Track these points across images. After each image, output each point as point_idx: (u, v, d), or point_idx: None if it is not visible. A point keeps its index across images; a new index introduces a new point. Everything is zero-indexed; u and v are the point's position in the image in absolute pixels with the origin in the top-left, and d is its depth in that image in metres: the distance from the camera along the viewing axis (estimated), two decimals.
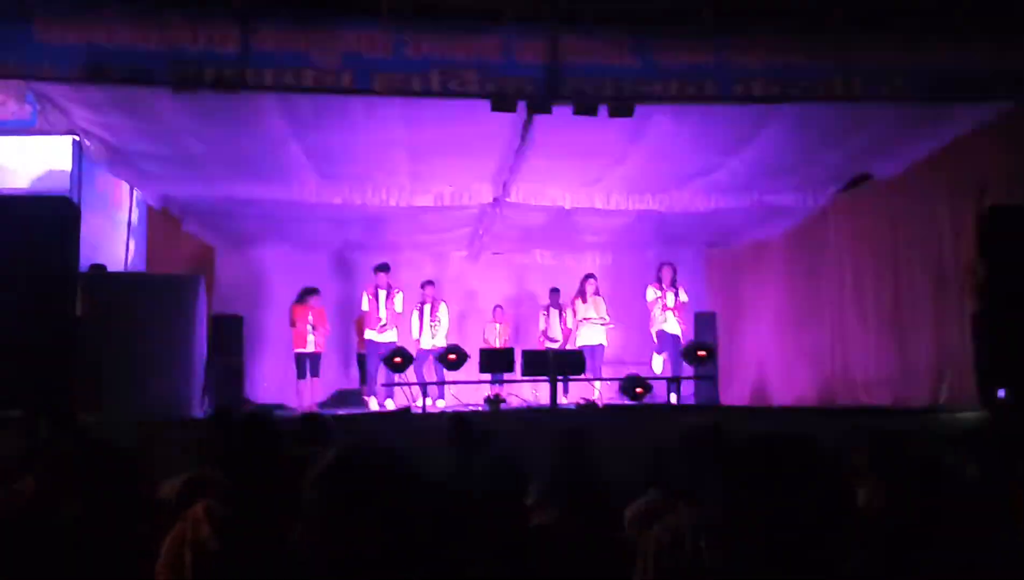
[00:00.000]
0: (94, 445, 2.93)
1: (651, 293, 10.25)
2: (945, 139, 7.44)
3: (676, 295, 10.16)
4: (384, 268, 10.23)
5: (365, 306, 10.15)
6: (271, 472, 2.05)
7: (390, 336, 10.02)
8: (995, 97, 6.51)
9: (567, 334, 10.68)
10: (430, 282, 10.74)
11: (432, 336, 10.30)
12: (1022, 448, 4.86)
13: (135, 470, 2.91)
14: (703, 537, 2.11)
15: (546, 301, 11.15)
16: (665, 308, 10.05)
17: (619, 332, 11.02)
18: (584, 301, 10.36)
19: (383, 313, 9.96)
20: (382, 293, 10.01)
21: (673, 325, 10.04)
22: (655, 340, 10.21)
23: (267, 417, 2.17)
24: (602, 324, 10.26)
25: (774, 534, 1.61)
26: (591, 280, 10.47)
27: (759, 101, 6.40)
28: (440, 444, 3.83)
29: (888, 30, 6.34)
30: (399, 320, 10.19)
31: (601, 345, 10.28)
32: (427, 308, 10.42)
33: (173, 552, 2.03)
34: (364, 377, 10.35)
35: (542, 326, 10.89)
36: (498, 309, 11.21)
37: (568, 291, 11.71)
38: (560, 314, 10.85)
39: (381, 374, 9.95)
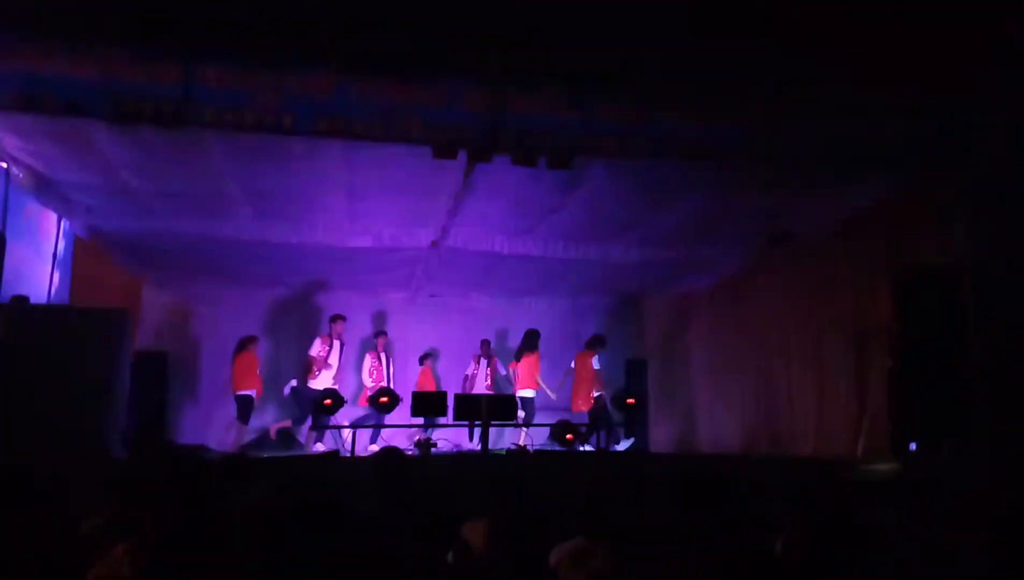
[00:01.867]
0: (13, 479, 2.87)
1: (574, 363, 10.74)
2: (862, 201, 7.83)
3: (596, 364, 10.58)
4: (340, 318, 10.69)
5: (315, 351, 10.33)
6: (195, 511, 2.04)
7: (325, 382, 10.11)
8: (903, 166, 6.90)
9: (489, 387, 10.93)
10: (383, 332, 11.23)
11: (388, 382, 10.48)
12: (932, 496, 5.09)
13: (55, 506, 2.85)
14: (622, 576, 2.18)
15: (477, 350, 11.33)
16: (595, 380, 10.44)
17: (553, 378, 11.18)
18: (519, 361, 10.64)
19: (333, 361, 10.40)
20: (336, 343, 10.53)
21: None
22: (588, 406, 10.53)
23: (193, 456, 2.16)
24: (535, 388, 10.58)
25: (693, 575, 1.68)
26: (530, 338, 10.81)
27: (689, 158, 6.65)
28: (367, 486, 3.82)
29: (813, 100, 6.69)
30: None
31: (533, 397, 10.56)
32: (383, 357, 10.99)
33: None
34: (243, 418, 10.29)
35: (469, 372, 11.04)
36: (428, 358, 11.37)
37: (503, 337, 11.91)
38: (488, 364, 11.05)
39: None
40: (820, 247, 8.79)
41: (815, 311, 8.86)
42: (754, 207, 8.20)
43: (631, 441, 10.10)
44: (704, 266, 10.19)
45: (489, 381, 11.00)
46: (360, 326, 11.82)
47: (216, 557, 1.83)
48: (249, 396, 10.22)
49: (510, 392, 11.01)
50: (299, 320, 11.81)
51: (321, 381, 10.24)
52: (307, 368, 10.45)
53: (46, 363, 6.20)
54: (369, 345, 11.44)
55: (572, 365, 10.72)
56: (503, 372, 11.24)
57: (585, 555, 2.50)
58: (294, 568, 1.22)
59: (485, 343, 11.30)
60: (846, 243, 8.35)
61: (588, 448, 9.36)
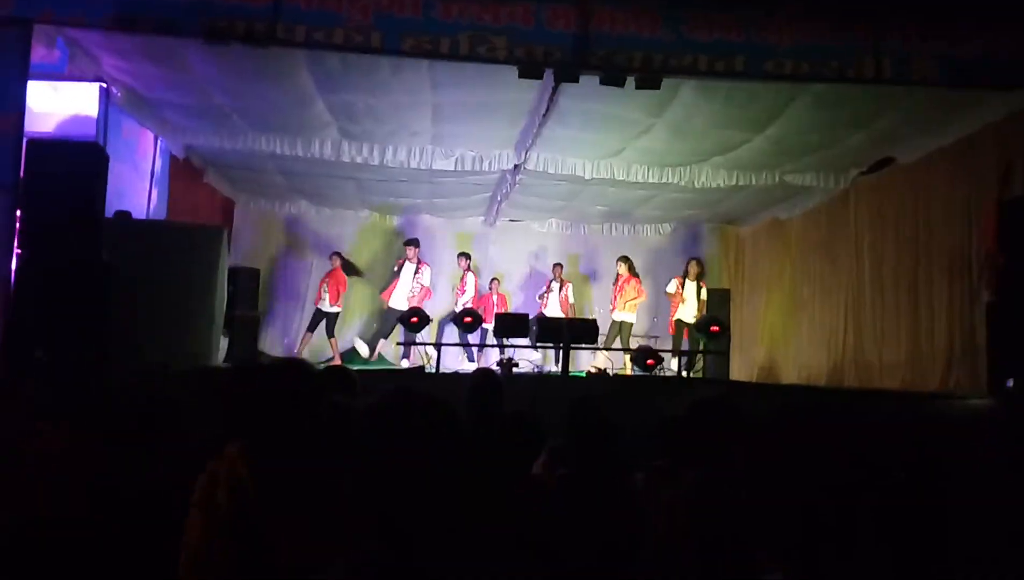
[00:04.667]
0: (125, 393, 3.05)
1: (673, 285, 10.46)
2: (971, 126, 7.40)
3: (699, 292, 10.33)
4: (414, 242, 10.80)
5: (399, 275, 10.66)
6: (307, 417, 2.12)
7: (402, 305, 10.36)
8: (1021, 85, 6.46)
9: (566, 309, 10.91)
10: (465, 254, 11.30)
11: (457, 305, 10.64)
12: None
13: (164, 418, 3.01)
14: (709, 504, 2.19)
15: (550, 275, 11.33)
16: (683, 301, 10.26)
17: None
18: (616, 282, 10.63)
19: (410, 285, 10.54)
20: (410, 265, 10.62)
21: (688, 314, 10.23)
22: (672, 330, 10.40)
23: (301, 362, 2.24)
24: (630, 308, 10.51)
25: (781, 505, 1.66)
26: (623, 262, 10.73)
27: (788, 80, 6.38)
28: (456, 399, 3.92)
29: (919, 14, 6.29)
30: (426, 292, 10.73)
31: (630, 322, 10.51)
32: (466, 278, 11.15)
33: (207, 488, 2.11)
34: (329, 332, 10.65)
35: (541, 295, 11.07)
36: (494, 282, 11.43)
37: (584, 264, 11.90)
38: (561, 288, 11.03)
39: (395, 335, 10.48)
40: (920, 175, 8.38)
41: (912, 241, 8.50)
42: (855, 131, 7.84)
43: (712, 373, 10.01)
44: (796, 193, 9.86)
45: (563, 305, 11.00)
46: (441, 250, 11.96)
47: (327, 460, 1.91)
48: (331, 312, 10.54)
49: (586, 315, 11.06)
50: (381, 241, 12.03)
51: (395, 301, 10.50)
52: (385, 289, 10.71)
53: (148, 276, 6.48)
54: (450, 268, 11.56)
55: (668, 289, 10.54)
56: (571, 299, 11.23)
57: (671, 476, 2.52)
58: (403, 471, 1.27)
59: (557, 266, 11.31)
60: (950, 170, 7.93)
61: (670, 373, 9.34)
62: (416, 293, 10.52)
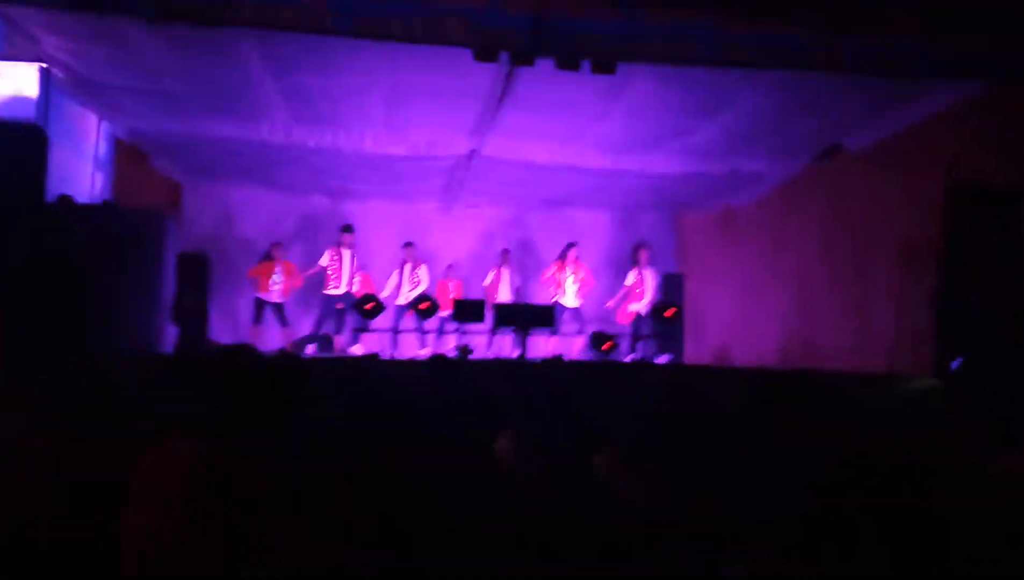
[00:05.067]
0: (67, 382, 2.94)
1: (631, 278, 10.52)
2: (920, 114, 7.55)
3: (652, 275, 10.44)
4: (349, 229, 10.63)
5: (325, 261, 10.44)
6: (253, 404, 2.06)
7: (338, 290, 10.28)
8: (970, 76, 6.60)
9: (513, 293, 10.91)
10: (410, 243, 11.06)
11: (409, 293, 10.48)
12: (970, 412, 5.03)
13: (107, 404, 2.92)
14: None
15: (498, 260, 11.29)
16: (642, 294, 10.30)
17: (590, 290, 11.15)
18: (562, 269, 10.56)
19: (344, 272, 10.39)
20: (346, 253, 10.48)
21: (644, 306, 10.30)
22: (627, 319, 10.46)
23: (250, 349, 2.17)
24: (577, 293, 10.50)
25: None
26: (573, 248, 10.69)
27: (744, 66, 6.41)
28: (412, 384, 3.87)
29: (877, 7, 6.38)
30: (363, 279, 10.64)
31: (577, 308, 10.54)
32: (407, 268, 10.84)
33: (151, 482, 2.04)
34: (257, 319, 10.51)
35: (487, 282, 11.00)
36: (450, 268, 11.34)
37: (536, 249, 11.89)
38: (509, 275, 11.02)
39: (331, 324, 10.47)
40: (869, 163, 8.53)
41: (860, 227, 8.67)
42: (806, 118, 7.94)
43: (669, 357, 10.09)
44: (747, 180, 9.97)
45: (510, 289, 10.99)
46: (392, 236, 11.83)
47: (278, 447, 1.86)
48: (259, 299, 10.35)
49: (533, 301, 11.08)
50: (332, 227, 11.83)
51: (337, 289, 10.37)
52: (322, 278, 10.55)
53: (92, 261, 6.30)
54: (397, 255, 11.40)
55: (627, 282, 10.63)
56: (518, 282, 11.20)
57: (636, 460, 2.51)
58: (356, 452, 1.23)
59: (504, 253, 11.27)
60: (899, 157, 8.09)
61: (625, 360, 9.40)
62: (354, 281, 10.42)
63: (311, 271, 10.64)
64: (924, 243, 7.61)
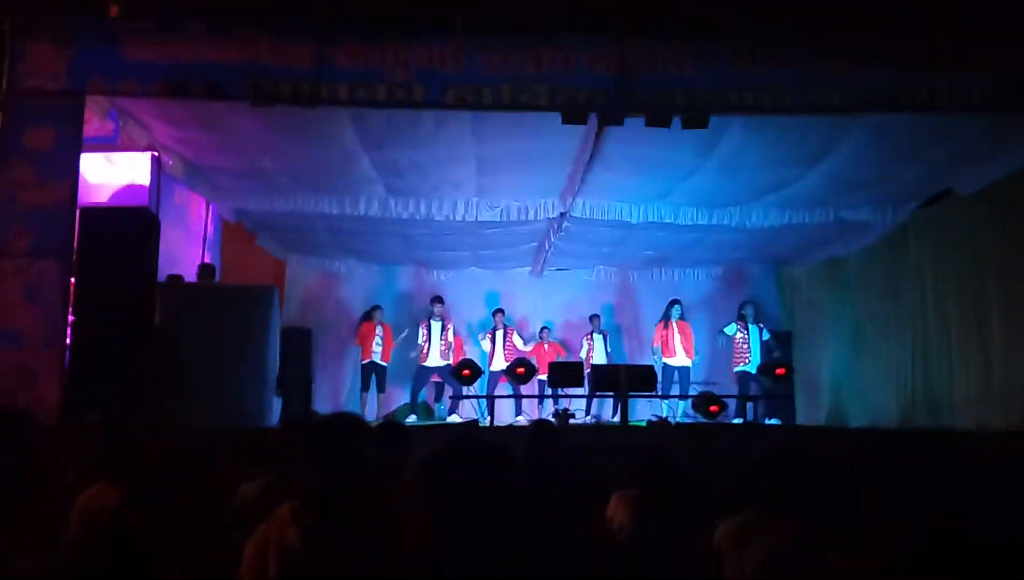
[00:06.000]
0: (178, 450, 2.97)
1: (733, 328, 10.31)
2: None
3: (760, 332, 10.11)
4: (438, 300, 10.81)
5: (420, 340, 10.64)
6: (358, 474, 2.01)
7: (438, 362, 10.35)
8: None
9: (609, 359, 10.71)
10: (501, 310, 11.22)
11: (505, 360, 10.46)
12: None
13: (216, 474, 2.93)
14: (803, 552, 2.00)
15: (589, 327, 11.13)
16: (748, 352, 9.98)
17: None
18: (667, 327, 10.38)
19: (436, 343, 10.52)
20: (436, 324, 10.63)
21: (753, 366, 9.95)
22: (734, 379, 10.14)
23: (355, 418, 2.13)
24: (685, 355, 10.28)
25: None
26: (676, 305, 10.60)
27: (838, 112, 6.22)
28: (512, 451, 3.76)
29: (973, 36, 6.11)
30: (456, 348, 10.70)
31: (688, 367, 10.27)
32: (500, 334, 10.98)
33: (257, 554, 2.00)
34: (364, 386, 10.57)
35: (583, 353, 10.84)
36: (544, 330, 11.26)
37: (631, 310, 11.71)
38: (604, 339, 10.85)
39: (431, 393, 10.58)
40: (980, 205, 8.05)
41: (977, 272, 8.15)
42: (911, 163, 7.61)
43: (777, 420, 9.65)
44: (851, 229, 9.59)
45: (605, 356, 10.81)
46: (484, 302, 11.87)
47: (380, 516, 1.79)
48: (367, 364, 10.44)
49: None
50: (425, 297, 11.96)
51: (431, 360, 10.44)
52: (418, 351, 10.63)
53: (202, 338, 6.51)
54: (488, 323, 11.44)
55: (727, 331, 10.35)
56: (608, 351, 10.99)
57: (756, 528, 2.33)
58: (459, 522, 1.13)
59: (595, 318, 11.13)
60: (1012, 197, 7.61)
61: (735, 421, 9.02)
62: (449, 348, 10.46)
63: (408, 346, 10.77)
64: None
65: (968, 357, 8.23)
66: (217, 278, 8.85)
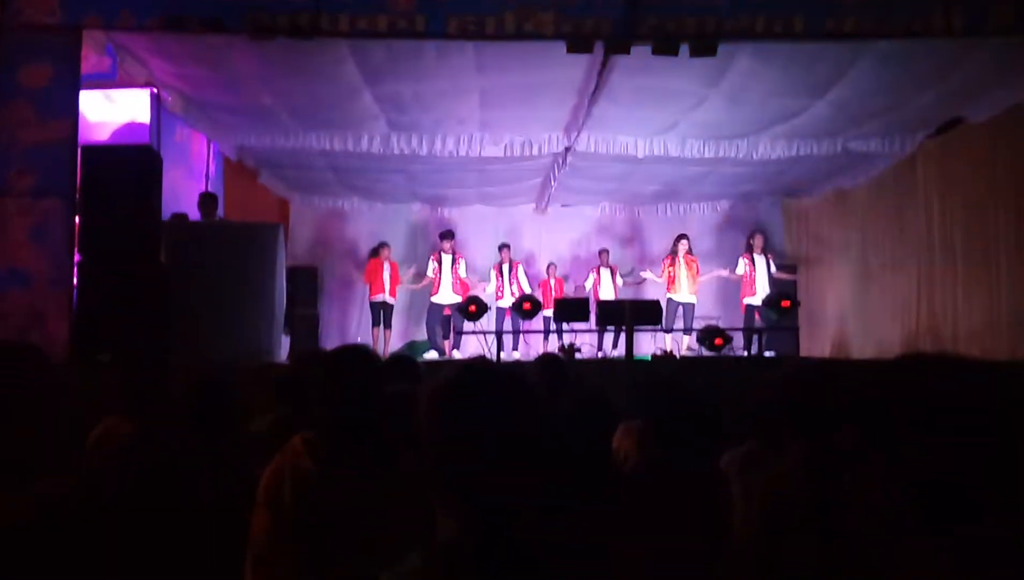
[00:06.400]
0: (188, 385, 2.99)
1: (741, 266, 10.24)
2: None
3: (768, 264, 10.07)
4: (448, 235, 10.68)
5: (430, 273, 10.56)
6: (371, 405, 2.02)
7: (449, 297, 10.25)
8: None
9: (617, 293, 10.70)
10: (506, 245, 11.11)
11: (512, 295, 10.46)
12: None
13: (228, 408, 2.95)
14: (815, 482, 2.01)
15: (596, 262, 11.11)
16: (754, 285, 9.95)
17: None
18: (674, 262, 10.34)
19: (446, 278, 10.46)
20: (447, 258, 10.54)
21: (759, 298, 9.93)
22: (743, 312, 10.14)
23: (367, 351, 2.13)
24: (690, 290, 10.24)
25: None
26: (684, 240, 10.47)
27: (851, 38, 6.07)
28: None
29: None
30: (463, 285, 10.63)
31: (692, 303, 10.27)
32: (506, 268, 10.92)
33: (273, 481, 2.02)
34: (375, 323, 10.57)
35: (589, 286, 10.84)
36: (551, 266, 11.24)
37: (638, 246, 11.67)
38: (612, 274, 10.84)
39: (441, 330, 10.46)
40: (991, 135, 7.92)
41: (985, 202, 8.07)
42: (922, 91, 7.46)
43: (771, 353, 9.70)
44: (859, 161, 9.47)
45: (613, 290, 10.81)
46: (490, 239, 11.84)
47: (392, 446, 1.81)
48: (374, 302, 10.45)
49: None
50: (432, 234, 11.94)
51: (442, 295, 10.42)
52: (428, 285, 10.62)
53: (208, 276, 6.50)
54: (495, 258, 11.41)
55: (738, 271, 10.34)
56: (621, 282, 10.97)
57: (763, 459, 2.35)
58: (486, 446, 1.14)
59: (602, 253, 11.10)
60: (1021, 126, 7.48)
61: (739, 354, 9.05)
62: (459, 283, 10.46)
63: (418, 285, 10.75)
64: None
65: (973, 288, 8.22)
66: (220, 212, 8.78)
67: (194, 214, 8.19)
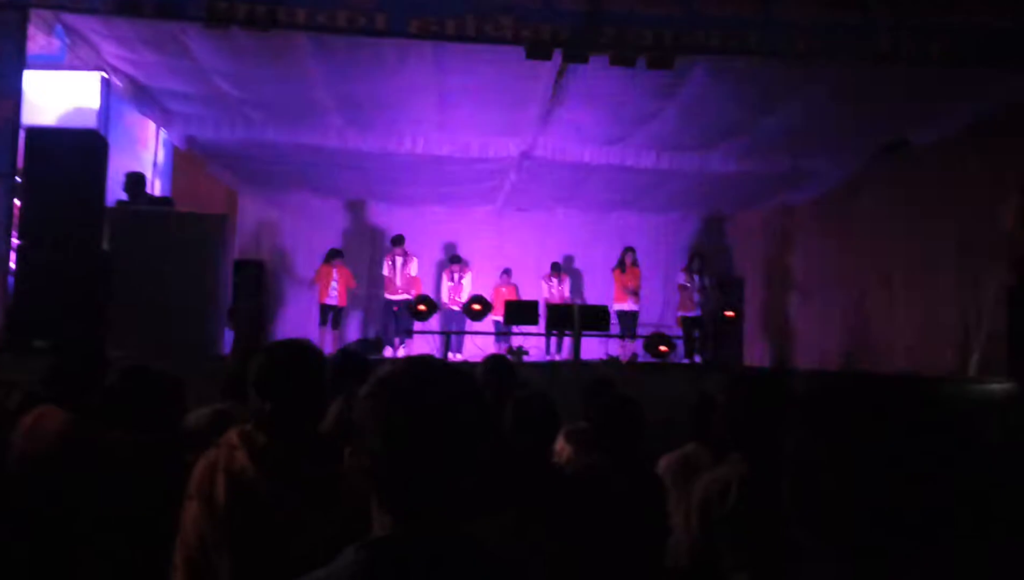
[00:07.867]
0: (124, 375, 2.93)
1: (684, 278, 10.49)
2: (992, 107, 7.22)
3: (709, 279, 10.28)
4: (398, 241, 10.80)
5: (385, 272, 10.72)
6: (311, 400, 2.00)
7: (400, 295, 10.47)
8: None
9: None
10: (457, 257, 11.25)
11: (457, 304, 10.52)
12: None
13: (165, 400, 2.90)
14: (754, 489, 2.05)
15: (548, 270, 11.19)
16: (696, 297, 10.15)
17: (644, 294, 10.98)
18: (623, 272, 10.43)
19: (398, 280, 10.60)
20: (398, 260, 10.68)
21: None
22: (679, 325, 10.30)
23: (309, 345, 2.11)
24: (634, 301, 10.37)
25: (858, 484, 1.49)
26: (630, 253, 10.60)
27: (802, 57, 6.21)
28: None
29: None
30: (414, 283, 10.69)
31: (635, 311, 10.38)
32: (455, 275, 11.08)
33: (205, 474, 1.99)
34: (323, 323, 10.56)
35: (545, 295, 10.91)
36: (505, 273, 11.27)
37: (589, 254, 11.75)
38: (561, 283, 10.93)
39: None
40: (935, 157, 8.19)
41: (924, 225, 8.34)
42: (867, 113, 7.67)
43: (698, 358, 9.88)
44: (806, 178, 9.70)
45: (566, 299, 10.90)
46: (443, 240, 11.81)
47: (337, 443, 1.79)
48: (326, 305, 10.45)
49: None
50: (384, 232, 11.86)
51: (394, 293, 10.49)
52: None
53: (151, 265, 6.37)
54: (444, 266, 11.43)
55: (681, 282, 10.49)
56: (568, 296, 11.06)
57: (702, 463, 2.39)
58: (414, 444, 1.14)
59: (554, 266, 11.17)
60: (967, 152, 7.75)
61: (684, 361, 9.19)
62: (409, 283, 10.49)
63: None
64: (995, 240, 7.28)
65: (910, 306, 8.48)
66: (151, 191, 8.46)
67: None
